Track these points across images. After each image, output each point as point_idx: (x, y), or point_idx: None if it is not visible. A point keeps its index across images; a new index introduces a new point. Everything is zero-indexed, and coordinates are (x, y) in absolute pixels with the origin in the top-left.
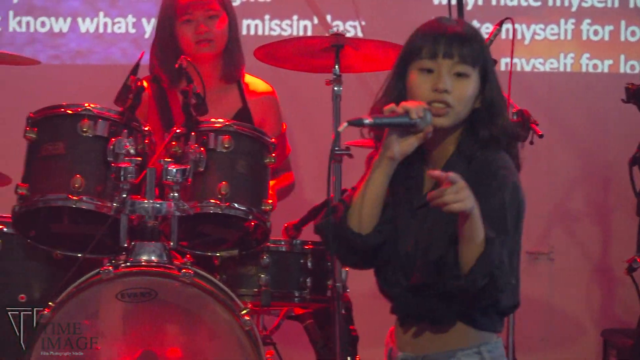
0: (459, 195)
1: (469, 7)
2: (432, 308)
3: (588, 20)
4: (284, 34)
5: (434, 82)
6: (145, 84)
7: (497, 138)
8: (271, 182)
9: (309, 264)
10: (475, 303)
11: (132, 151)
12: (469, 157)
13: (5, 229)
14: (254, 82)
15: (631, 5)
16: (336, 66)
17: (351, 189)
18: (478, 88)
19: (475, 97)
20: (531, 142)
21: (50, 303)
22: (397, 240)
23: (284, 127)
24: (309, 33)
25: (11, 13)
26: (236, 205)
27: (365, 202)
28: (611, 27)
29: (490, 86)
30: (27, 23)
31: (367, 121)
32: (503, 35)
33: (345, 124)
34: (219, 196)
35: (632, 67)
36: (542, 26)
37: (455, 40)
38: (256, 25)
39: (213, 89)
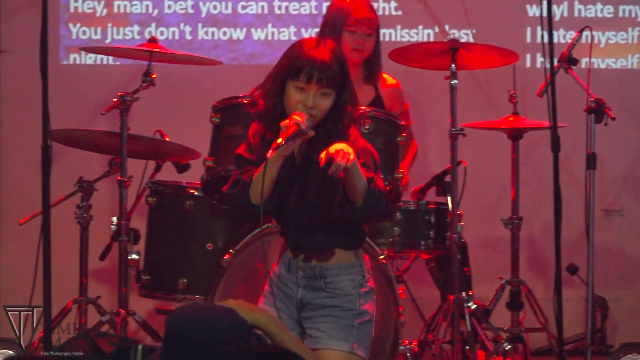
0: (346, 153)
1: (557, 18)
2: (318, 239)
3: None
4: (412, 39)
5: (305, 99)
6: None
7: (344, 129)
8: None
9: (432, 220)
10: (369, 222)
11: None
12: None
13: (196, 193)
14: (384, 77)
15: None
16: (453, 65)
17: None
18: (333, 102)
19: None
20: (605, 124)
21: (230, 250)
22: (284, 196)
23: (406, 106)
24: (432, 39)
25: (200, 25)
26: None
27: (264, 184)
28: None
29: (344, 98)
30: (212, 32)
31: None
32: (583, 40)
33: (283, 141)
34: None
35: None
36: (614, 33)
37: (325, 69)
38: (390, 34)
39: (355, 82)
